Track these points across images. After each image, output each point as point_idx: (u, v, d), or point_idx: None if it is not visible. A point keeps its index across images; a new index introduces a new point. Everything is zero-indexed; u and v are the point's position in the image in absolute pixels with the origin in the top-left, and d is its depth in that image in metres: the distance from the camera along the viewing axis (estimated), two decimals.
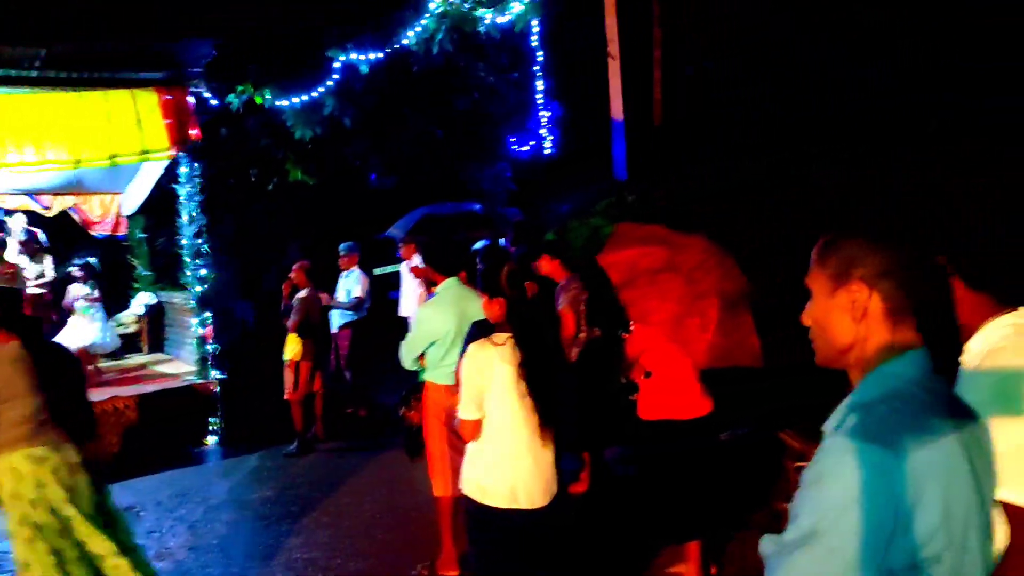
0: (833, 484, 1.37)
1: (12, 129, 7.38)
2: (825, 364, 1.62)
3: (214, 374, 8.44)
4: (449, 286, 4.93)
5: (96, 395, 7.92)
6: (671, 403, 4.54)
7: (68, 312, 9.46)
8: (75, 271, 9.46)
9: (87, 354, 8.12)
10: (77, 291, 9.25)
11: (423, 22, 8.28)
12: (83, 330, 9.12)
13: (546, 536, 3.62)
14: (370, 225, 11.51)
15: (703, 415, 4.58)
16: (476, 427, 3.51)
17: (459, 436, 4.77)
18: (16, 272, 9.11)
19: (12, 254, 9.35)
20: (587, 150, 10.87)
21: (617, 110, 10.45)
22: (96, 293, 9.49)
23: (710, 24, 9.17)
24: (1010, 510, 1.64)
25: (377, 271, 9.24)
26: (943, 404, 1.47)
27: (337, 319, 8.68)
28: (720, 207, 7.82)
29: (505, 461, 3.49)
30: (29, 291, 9.08)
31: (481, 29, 8.42)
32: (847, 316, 1.52)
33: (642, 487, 4.91)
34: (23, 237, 9.50)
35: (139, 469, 7.47)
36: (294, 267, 8.00)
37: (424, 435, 5.01)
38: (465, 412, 3.50)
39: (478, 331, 4.02)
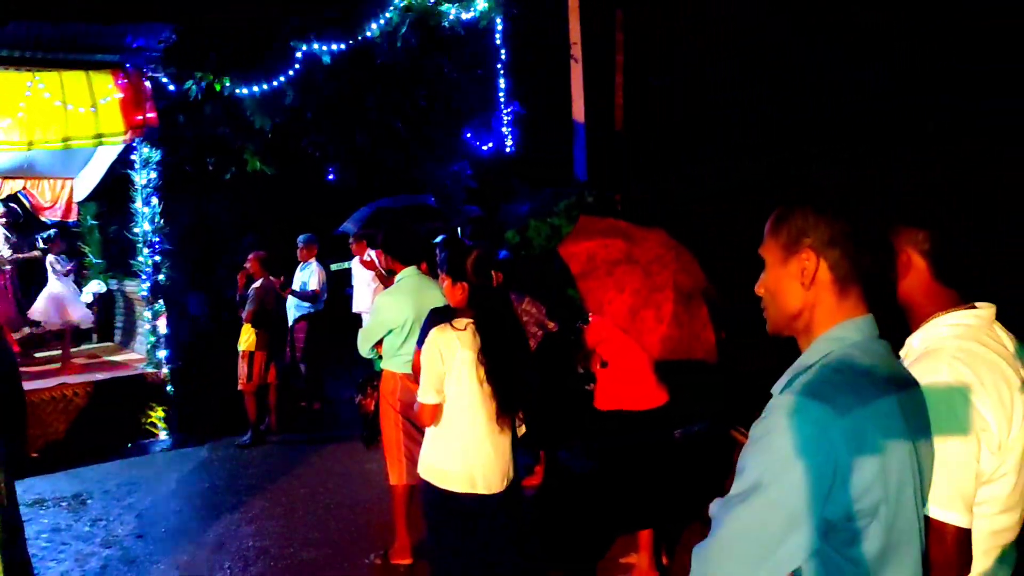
0: (777, 439, 1.42)
1: None
2: (775, 332, 1.68)
3: (166, 364, 8.31)
4: (408, 275, 4.95)
5: (44, 382, 7.81)
6: (627, 393, 4.60)
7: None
8: (41, 243, 9.27)
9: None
10: (50, 261, 9.08)
11: (387, 15, 8.26)
12: (58, 302, 8.93)
13: (502, 522, 3.65)
14: (328, 218, 11.42)
15: (658, 406, 4.64)
16: (435, 411, 3.52)
17: (415, 425, 4.83)
18: None
19: None
20: (547, 150, 10.96)
21: (579, 112, 10.57)
22: (69, 265, 9.31)
23: (705, 26, 9.28)
24: (934, 525, 1.71)
25: (333, 267, 9.18)
26: (884, 368, 1.54)
27: (293, 312, 8.62)
28: (705, 209, 7.93)
29: (464, 446, 3.50)
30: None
31: (445, 24, 8.43)
32: (796, 283, 1.58)
33: (596, 479, 4.97)
34: (1, 211, 9.28)
35: (87, 457, 7.35)
36: (250, 257, 7.93)
37: (380, 423, 5.01)
38: (425, 396, 3.51)
39: (435, 318, 4.04)
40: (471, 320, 3.52)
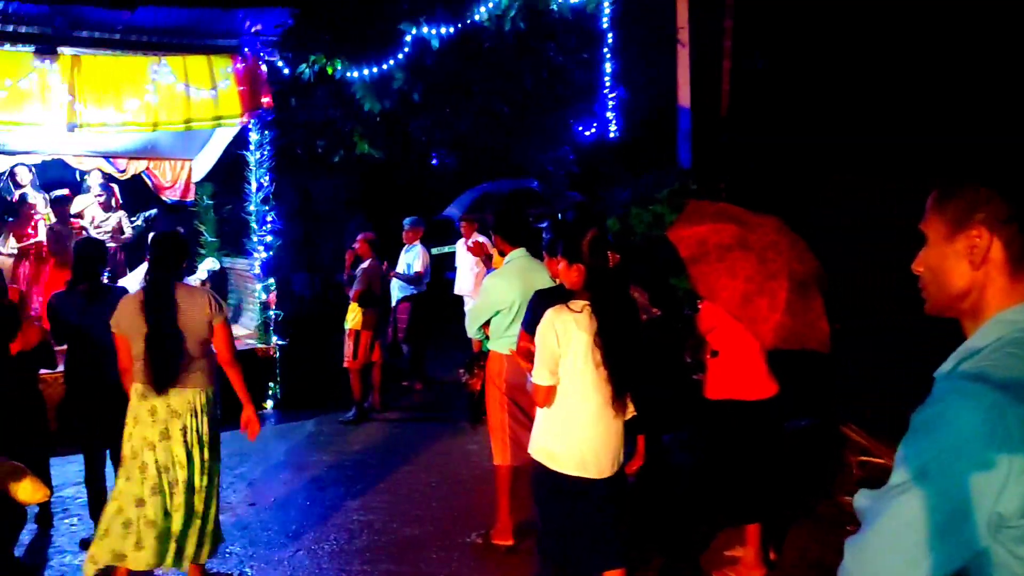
0: (944, 427, 1.34)
1: (95, 90, 7.57)
2: (936, 312, 1.58)
3: (275, 340, 8.57)
4: (517, 256, 4.96)
5: None
6: (737, 383, 4.50)
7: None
8: (143, 223, 9.68)
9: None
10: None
11: None
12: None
13: (609, 507, 3.61)
14: (429, 202, 11.58)
15: (769, 397, 4.52)
16: (549, 393, 3.50)
17: (520, 406, 4.84)
18: (84, 226, 9.33)
19: (88, 208, 9.58)
20: (651, 136, 10.80)
21: (684, 97, 10.36)
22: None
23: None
24: None
25: (434, 250, 9.28)
26: None
27: (397, 293, 8.77)
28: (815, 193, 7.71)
29: (576, 428, 3.48)
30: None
31: (554, 8, 8.38)
32: (964, 261, 1.48)
33: (703, 469, 4.89)
34: (100, 191, 9.73)
35: None
36: (358, 238, 8.08)
37: (485, 404, 5.04)
38: (539, 377, 3.50)
39: (542, 300, 4.03)
40: (587, 302, 3.49)
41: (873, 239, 6.14)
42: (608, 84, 9.76)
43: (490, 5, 8.28)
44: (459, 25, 8.32)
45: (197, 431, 4.26)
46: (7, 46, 7.39)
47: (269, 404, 8.38)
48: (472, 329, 5.08)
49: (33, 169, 9.58)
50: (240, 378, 4.54)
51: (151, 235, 4.90)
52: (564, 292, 3.72)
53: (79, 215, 9.52)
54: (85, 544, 5.02)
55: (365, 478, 6.30)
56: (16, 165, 9.61)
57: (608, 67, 9.65)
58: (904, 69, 8.66)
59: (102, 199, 9.62)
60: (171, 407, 4.18)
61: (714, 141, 10.19)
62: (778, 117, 9.98)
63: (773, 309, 4.34)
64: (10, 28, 7.31)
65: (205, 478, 4.30)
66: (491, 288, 4.92)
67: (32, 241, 9.00)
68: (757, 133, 9.94)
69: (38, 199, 9.32)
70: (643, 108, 11.06)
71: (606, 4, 9.18)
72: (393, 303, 8.73)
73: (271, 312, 8.62)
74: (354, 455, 6.88)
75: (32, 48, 7.35)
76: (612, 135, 10.70)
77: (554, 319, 3.50)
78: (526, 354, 4.11)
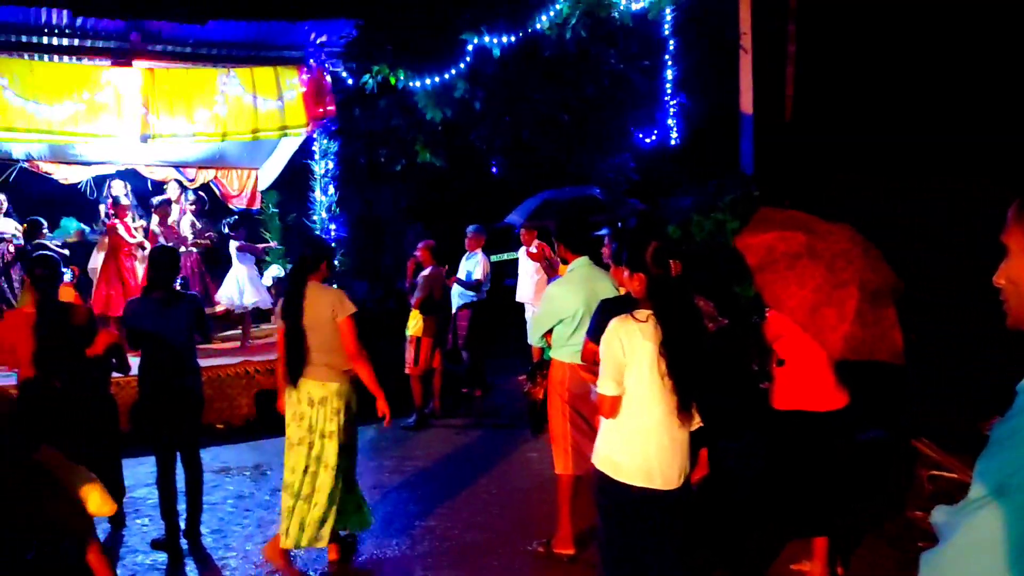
0: None
1: (168, 102, 7.82)
2: (1018, 326, 1.53)
3: None
4: (580, 265, 4.94)
5: (229, 359, 8.35)
6: (805, 394, 4.41)
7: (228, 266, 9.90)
8: (227, 229, 9.89)
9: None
10: (233, 246, 9.63)
11: (557, 6, 8.29)
12: (241, 285, 9.47)
13: (674, 519, 3.57)
14: (489, 209, 11.63)
15: (837, 408, 4.43)
16: (615, 403, 3.47)
17: (583, 415, 4.82)
18: (178, 234, 9.61)
19: (183, 216, 9.87)
20: (711, 142, 10.69)
21: (747, 104, 10.24)
22: (250, 246, 9.84)
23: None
24: None
25: (493, 257, 9.32)
26: None
27: (457, 300, 8.82)
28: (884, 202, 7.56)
29: (642, 439, 3.44)
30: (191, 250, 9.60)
31: (615, 15, 8.36)
32: None
33: (769, 481, 4.80)
34: (193, 199, 10.00)
35: (266, 431, 7.81)
36: (419, 245, 8.15)
37: (548, 413, 5.03)
38: (604, 387, 3.47)
39: (608, 309, 4.01)
40: (652, 312, 3.46)
41: (955, 244, 5.98)
42: (669, 91, 9.70)
43: (551, 13, 8.30)
44: (520, 34, 8.36)
45: (326, 420, 4.62)
46: (85, 60, 7.68)
47: None
48: (534, 337, 5.09)
49: (127, 184, 9.90)
50: (368, 371, 4.78)
51: (307, 243, 5.14)
52: (630, 301, 3.69)
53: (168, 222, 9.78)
54: (156, 544, 5.16)
55: (426, 484, 6.34)
56: (111, 178, 9.96)
57: (669, 74, 9.60)
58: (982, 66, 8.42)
59: (195, 207, 9.89)
60: (304, 398, 4.59)
61: (778, 147, 10.05)
62: (844, 120, 9.79)
63: (842, 319, 4.25)
64: (88, 43, 7.59)
65: (339, 461, 4.68)
66: (554, 296, 4.91)
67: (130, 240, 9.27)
68: (822, 137, 9.77)
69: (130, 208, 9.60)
70: (703, 114, 10.96)
71: (667, 11, 9.12)
72: (453, 310, 8.78)
73: None
74: (415, 461, 6.93)
75: (109, 62, 7.61)
76: (673, 142, 10.63)
77: (619, 329, 3.47)
78: (591, 363, 4.10)
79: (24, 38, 7.43)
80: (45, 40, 7.49)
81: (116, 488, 5.37)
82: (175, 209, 10.00)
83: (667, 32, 9.41)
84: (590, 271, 4.92)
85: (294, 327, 4.53)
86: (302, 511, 4.58)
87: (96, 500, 4.18)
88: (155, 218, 9.55)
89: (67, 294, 5.11)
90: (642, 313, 3.46)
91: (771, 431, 4.65)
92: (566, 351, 4.86)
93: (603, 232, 7.66)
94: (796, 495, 4.47)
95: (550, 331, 4.96)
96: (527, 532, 5.30)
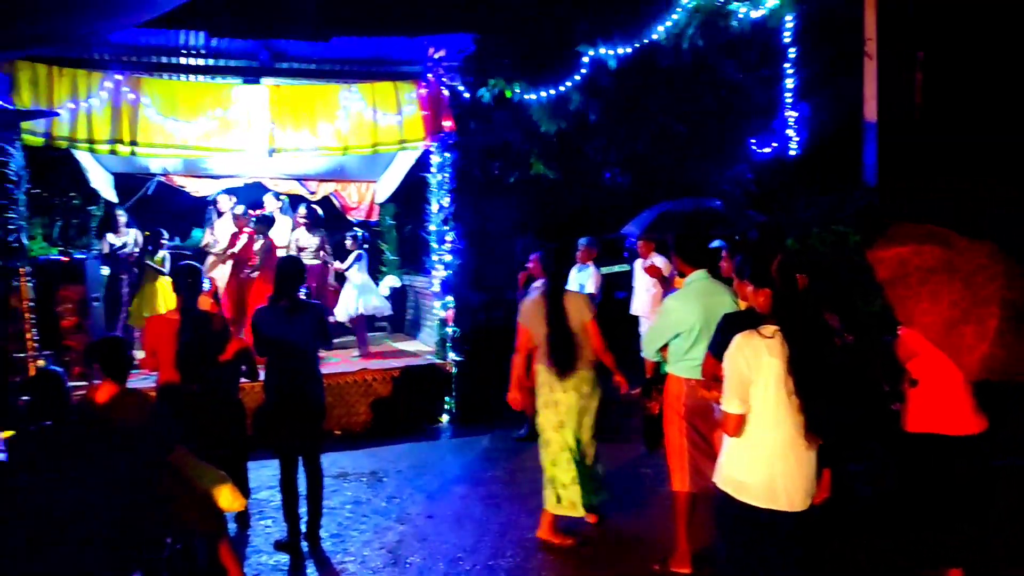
0: None
1: (293, 117, 8.13)
2: None
3: (452, 356, 8.82)
4: (698, 278, 4.84)
5: (348, 367, 8.58)
6: (940, 416, 4.20)
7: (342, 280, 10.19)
8: (348, 242, 10.17)
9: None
10: (351, 260, 9.90)
11: (674, 16, 8.19)
12: (356, 295, 9.72)
13: (798, 542, 3.45)
14: (601, 221, 11.56)
15: (975, 433, 4.19)
16: (740, 422, 3.38)
17: (700, 431, 4.71)
18: (274, 247, 9.94)
19: (287, 229, 10.22)
20: (832, 153, 10.34)
21: (871, 112, 9.88)
22: (365, 262, 10.08)
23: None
24: None
25: (603, 269, 9.24)
26: None
27: None
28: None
29: (767, 458, 3.34)
30: (307, 262, 9.89)
31: (734, 24, 8.20)
32: None
33: (901, 507, 4.58)
34: (304, 213, 10.36)
35: (382, 437, 8.00)
36: (532, 257, 8.13)
37: (664, 428, 4.94)
38: (729, 405, 3.39)
39: (731, 324, 3.91)
40: (778, 328, 3.36)
41: None
42: (790, 100, 9.43)
43: (668, 24, 8.20)
44: (636, 45, 8.29)
45: (588, 402, 5.31)
46: (218, 79, 8.05)
47: (445, 418, 8.62)
48: (650, 351, 5.00)
49: (234, 197, 10.35)
50: (612, 360, 5.40)
51: (545, 249, 5.60)
52: (754, 316, 3.60)
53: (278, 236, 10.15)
54: (279, 545, 5.33)
55: (537, 496, 6.25)
56: (219, 193, 10.44)
57: (790, 82, 9.33)
58: None
59: (305, 221, 10.24)
60: (568, 386, 5.23)
61: (904, 156, 9.64)
62: (975, 126, 9.30)
63: (981, 338, 4.01)
64: (221, 62, 7.98)
65: (592, 439, 5.37)
66: (671, 310, 4.82)
67: (228, 256, 9.67)
68: (952, 143, 9.32)
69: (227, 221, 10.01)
70: (824, 124, 10.61)
71: (788, 18, 8.88)
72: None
73: (449, 329, 8.87)
74: (527, 473, 6.91)
75: (240, 80, 7.97)
76: (792, 152, 10.31)
77: (744, 345, 3.39)
78: (711, 379, 4.00)
79: (164, 59, 7.87)
80: (183, 60, 7.91)
81: (242, 489, 5.58)
82: (287, 221, 10.35)
83: (788, 39, 9.14)
84: (709, 285, 4.81)
85: (562, 327, 5.21)
86: (563, 483, 5.25)
87: (227, 497, 4.36)
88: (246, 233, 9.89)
89: (204, 302, 5.35)
90: (768, 329, 3.36)
91: (903, 455, 4.44)
92: (683, 366, 4.77)
93: (719, 244, 7.50)
94: (928, 524, 4.25)
95: (666, 345, 4.88)
96: (643, 549, 5.23)
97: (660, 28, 8.24)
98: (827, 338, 3.55)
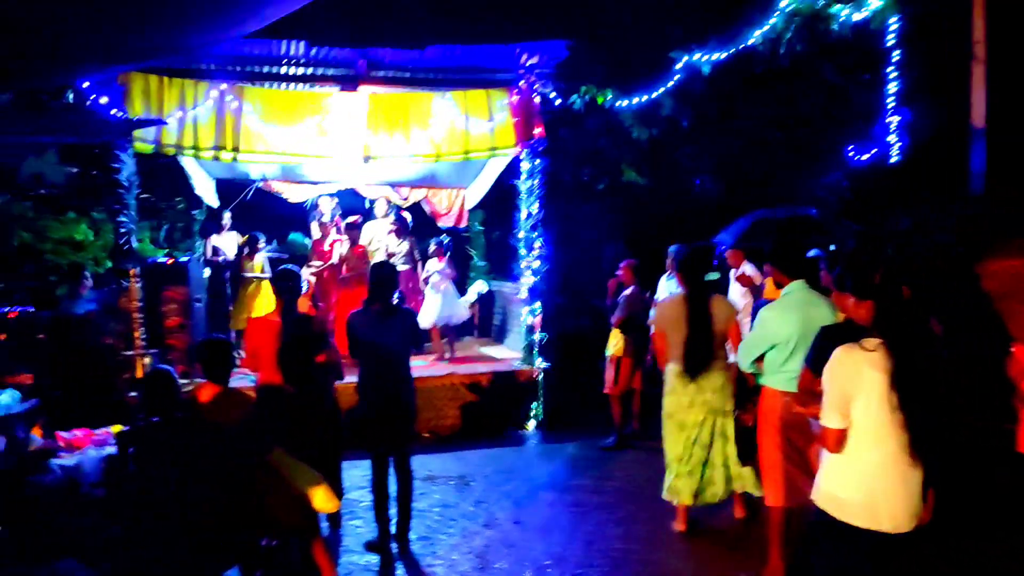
0: None
1: (387, 125, 8.30)
2: None
3: (539, 362, 8.82)
4: (795, 289, 4.72)
5: (435, 371, 8.68)
6: None
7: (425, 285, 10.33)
8: (432, 248, 10.32)
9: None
10: (432, 267, 10.01)
11: (771, 20, 8.02)
12: (438, 303, 9.83)
13: (901, 565, 3.32)
14: (691, 229, 11.41)
15: None
16: (840, 437, 3.28)
17: (796, 445, 4.59)
18: (367, 253, 10.14)
19: (380, 235, 10.42)
20: (934, 160, 9.96)
21: (978, 117, 9.47)
22: (449, 269, 10.16)
23: None
24: None
25: None
26: None
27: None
28: None
29: (869, 476, 3.23)
30: (398, 268, 10.04)
31: (834, 27, 7.97)
32: None
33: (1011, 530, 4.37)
34: (394, 220, 10.55)
35: (469, 442, 8.07)
36: (622, 264, 8.11)
37: (758, 442, 4.84)
38: (829, 420, 3.29)
39: (830, 336, 3.80)
40: (881, 341, 3.24)
41: None
42: (891, 105, 9.11)
43: (765, 28, 8.03)
44: (731, 50, 8.14)
45: (725, 401, 5.44)
46: (316, 87, 8.27)
47: (531, 425, 8.64)
48: (744, 362, 4.90)
49: (336, 199, 10.60)
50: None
51: (684, 252, 5.86)
52: (855, 329, 3.49)
53: (369, 241, 10.35)
54: (369, 546, 5.42)
55: (625, 505, 6.27)
56: (320, 196, 10.71)
57: (892, 87, 9.01)
58: None
59: (395, 227, 10.41)
60: (707, 387, 5.43)
61: (1015, 164, 9.22)
62: None
63: None
64: (320, 71, 8.19)
65: (727, 434, 5.46)
66: (767, 320, 4.72)
67: (326, 264, 9.90)
68: None
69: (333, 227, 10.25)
70: (926, 130, 10.23)
71: (892, 20, 8.58)
72: (651, 330, 8.65)
73: (536, 335, 8.88)
74: (614, 482, 6.88)
75: (337, 88, 8.18)
76: (893, 159, 9.97)
77: (845, 358, 3.28)
78: (807, 394, 3.90)
79: (266, 68, 8.12)
80: (283, 69, 8.15)
81: (336, 489, 5.70)
82: (378, 227, 10.54)
83: (891, 42, 8.83)
84: (807, 295, 4.69)
85: (704, 330, 5.38)
86: (696, 476, 5.51)
87: (321, 497, 4.47)
88: (346, 238, 10.09)
89: (302, 305, 5.50)
90: (870, 342, 3.25)
91: (1016, 477, 4.23)
92: (779, 378, 4.67)
93: (815, 254, 7.30)
94: None
95: (761, 357, 4.78)
96: (734, 563, 5.13)
97: (756, 32, 8.08)
98: (935, 351, 3.41)
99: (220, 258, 9.70)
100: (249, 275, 9.86)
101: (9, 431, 5.26)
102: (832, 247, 9.42)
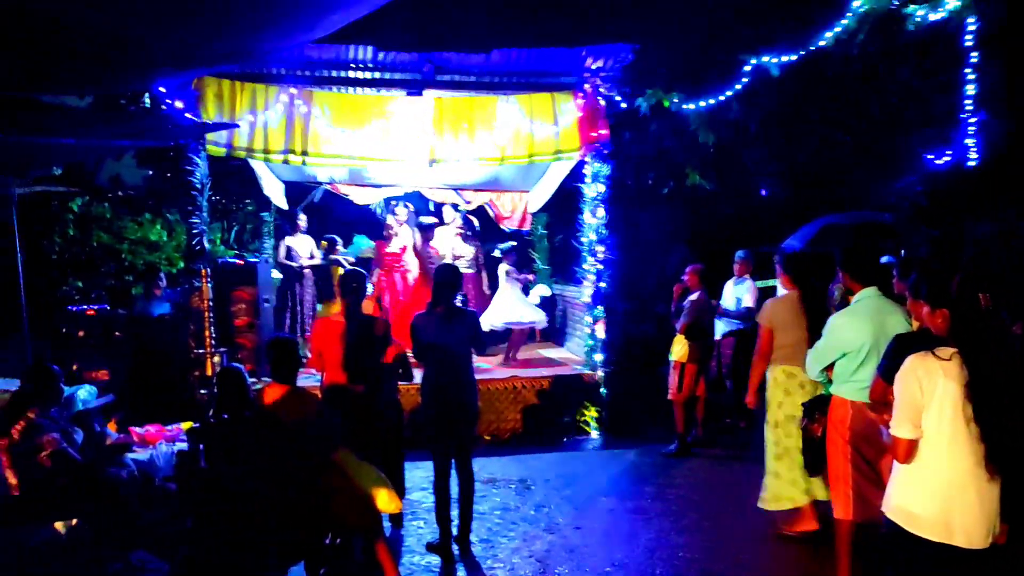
0: None
1: (452, 128, 8.35)
2: None
3: (600, 367, 8.77)
4: (868, 296, 4.61)
5: (498, 373, 8.69)
6: None
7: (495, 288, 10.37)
8: (498, 252, 10.34)
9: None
10: (502, 269, 10.04)
11: (843, 22, 7.83)
12: (508, 306, 9.83)
13: None
14: (756, 233, 11.23)
15: None
16: (910, 448, 3.19)
17: (866, 457, 4.47)
18: (439, 256, 10.22)
19: (446, 238, 10.51)
20: (1016, 164, 9.61)
21: None
22: (522, 275, 10.16)
23: None
24: None
25: (760, 283, 8.96)
26: None
27: (722, 326, 8.59)
28: None
29: (942, 489, 3.13)
30: (463, 271, 10.10)
31: (910, 27, 7.74)
32: None
33: None
34: (461, 224, 10.63)
35: (530, 445, 8.07)
36: (687, 270, 8.02)
37: (826, 452, 4.73)
38: (899, 429, 3.20)
39: (901, 344, 3.70)
40: (956, 350, 3.15)
41: None
42: (969, 108, 8.81)
43: (837, 29, 7.85)
44: (801, 52, 7.98)
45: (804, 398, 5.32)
46: (383, 91, 8.37)
47: (592, 429, 8.59)
48: (813, 371, 4.80)
49: (410, 205, 10.71)
50: None
51: (794, 256, 5.90)
52: (929, 338, 3.38)
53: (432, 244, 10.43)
54: (431, 547, 5.45)
55: (688, 514, 6.19)
56: (394, 200, 10.83)
57: (971, 88, 8.72)
58: None
59: (462, 231, 10.48)
60: (795, 384, 5.56)
61: None
62: None
63: None
64: (387, 75, 8.29)
65: None
66: (838, 328, 4.61)
67: (393, 266, 9.99)
68: None
69: (405, 231, 10.33)
70: (1007, 132, 9.87)
71: (969, 21, 8.30)
72: (717, 337, 8.54)
73: (598, 339, 8.83)
74: (676, 489, 6.79)
75: (404, 92, 8.27)
76: (971, 163, 9.65)
77: (918, 366, 3.19)
78: (880, 402, 3.80)
79: (334, 73, 8.26)
80: (351, 74, 8.28)
81: (398, 489, 5.76)
82: (446, 231, 10.63)
83: (970, 43, 8.54)
84: (879, 303, 4.58)
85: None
86: (776, 472, 5.66)
87: (385, 498, 4.51)
88: (419, 239, 10.18)
89: (367, 306, 5.57)
90: (945, 351, 3.16)
91: None
92: (849, 387, 4.56)
93: (888, 260, 7.11)
94: None
95: (831, 365, 4.67)
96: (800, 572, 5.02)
97: (828, 34, 7.89)
98: (1015, 362, 3.28)
99: (296, 263, 9.84)
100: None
101: (87, 425, 5.44)
102: (904, 253, 9.17)
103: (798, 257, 5.76)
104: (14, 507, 4.71)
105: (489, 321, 9.55)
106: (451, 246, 10.36)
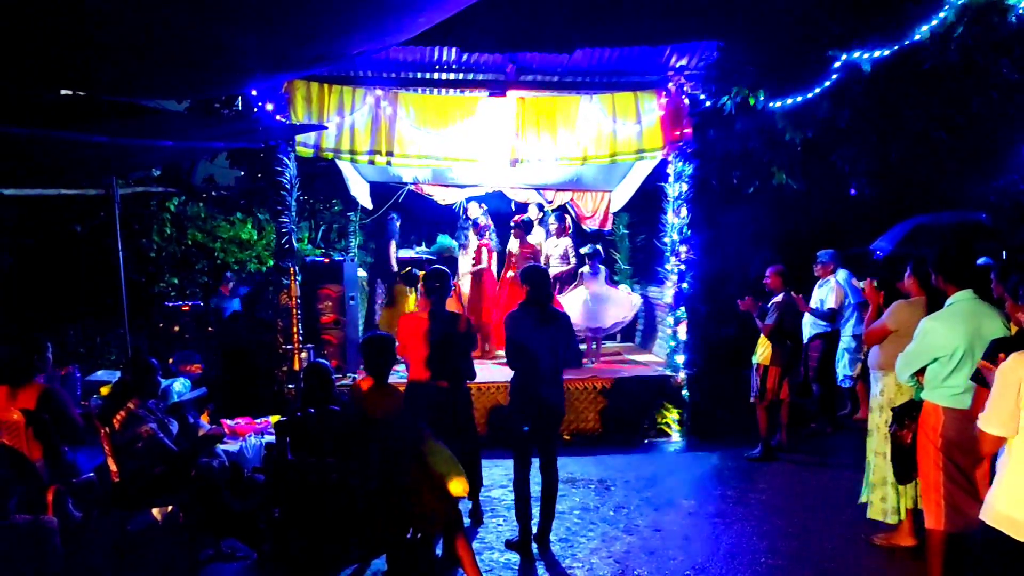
0: None
1: (535, 128, 8.39)
2: None
3: (683, 368, 8.67)
4: (963, 299, 4.44)
5: (577, 374, 8.67)
6: None
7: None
8: (584, 251, 10.33)
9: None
10: (584, 272, 10.03)
11: (940, 14, 7.54)
12: (592, 309, 9.81)
13: None
14: (845, 234, 10.92)
15: None
16: (997, 442, 3.16)
17: (959, 465, 4.31)
18: (537, 253, 10.28)
19: (538, 236, 10.57)
20: None
21: None
22: (600, 274, 10.13)
23: None
24: None
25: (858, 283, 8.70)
26: None
27: (809, 329, 8.39)
28: None
29: None
30: (553, 269, 10.16)
31: (1012, 19, 7.40)
32: None
33: None
34: (555, 218, 10.67)
35: (610, 446, 8.04)
36: (770, 270, 7.86)
37: (917, 460, 4.58)
38: (988, 425, 3.15)
39: (999, 349, 3.56)
40: None
41: None
42: None
43: (933, 22, 7.56)
44: (895, 47, 7.71)
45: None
46: (466, 92, 8.46)
47: (673, 431, 8.50)
48: (904, 375, 4.65)
49: (484, 205, 10.81)
50: None
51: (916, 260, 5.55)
52: None
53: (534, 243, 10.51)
54: (510, 545, 5.49)
55: (770, 519, 6.08)
56: (469, 200, 10.96)
57: None
58: None
59: (557, 226, 10.52)
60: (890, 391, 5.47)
61: None
62: None
63: None
64: (470, 76, 8.37)
65: None
66: (930, 331, 4.45)
67: (478, 267, 10.07)
68: None
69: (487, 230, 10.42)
70: None
71: None
72: (805, 339, 8.34)
73: (680, 341, 8.74)
74: (758, 493, 6.67)
75: (487, 92, 8.34)
76: None
77: (1018, 366, 3.10)
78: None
79: (419, 74, 8.39)
80: (435, 75, 8.39)
81: (475, 483, 5.83)
82: (540, 231, 10.68)
83: None
84: (975, 306, 4.40)
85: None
86: (873, 482, 5.52)
87: (456, 484, 4.57)
88: (514, 239, 10.24)
89: (450, 304, 5.66)
90: None
91: None
92: (941, 393, 4.40)
93: (986, 262, 6.83)
94: None
95: (922, 370, 4.52)
96: None
97: (924, 28, 7.61)
98: None
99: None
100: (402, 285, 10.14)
101: (182, 417, 5.67)
102: (1005, 255, 8.78)
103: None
104: (115, 493, 4.95)
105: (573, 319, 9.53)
106: (545, 245, 10.45)
